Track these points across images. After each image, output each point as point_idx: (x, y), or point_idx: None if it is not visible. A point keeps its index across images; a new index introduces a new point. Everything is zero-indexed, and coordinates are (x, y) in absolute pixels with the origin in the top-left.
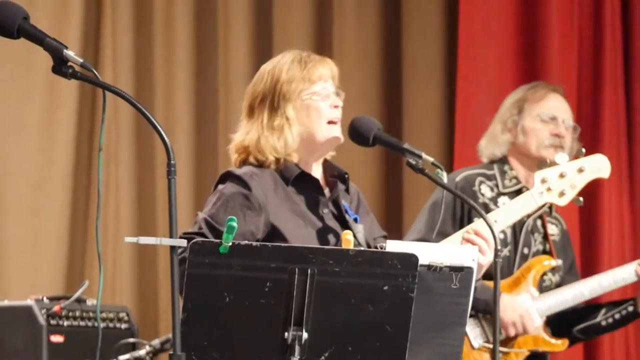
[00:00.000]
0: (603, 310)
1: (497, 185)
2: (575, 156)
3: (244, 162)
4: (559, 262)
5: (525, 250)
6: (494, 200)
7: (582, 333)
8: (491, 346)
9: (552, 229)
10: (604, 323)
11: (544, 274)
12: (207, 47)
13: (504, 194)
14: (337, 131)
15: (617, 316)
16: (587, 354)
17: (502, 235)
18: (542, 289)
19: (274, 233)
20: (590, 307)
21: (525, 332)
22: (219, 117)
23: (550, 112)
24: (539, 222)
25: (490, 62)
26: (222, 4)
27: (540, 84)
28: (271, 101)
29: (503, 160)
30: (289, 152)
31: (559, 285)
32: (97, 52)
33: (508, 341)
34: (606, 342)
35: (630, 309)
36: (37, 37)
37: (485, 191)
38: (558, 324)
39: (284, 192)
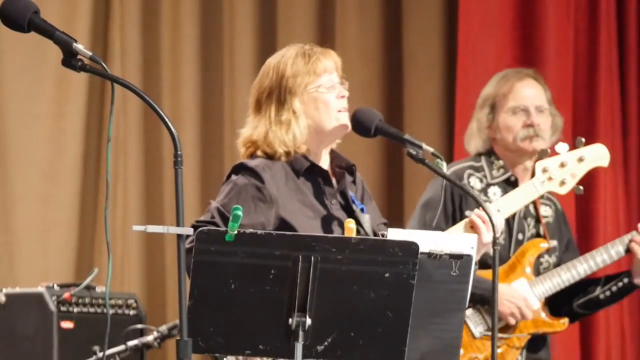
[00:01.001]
0: (601, 283)
1: (485, 176)
2: (575, 145)
3: (252, 155)
4: (553, 243)
5: (520, 236)
6: (484, 191)
7: (583, 307)
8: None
9: (546, 211)
10: (602, 296)
11: (540, 256)
12: (212, 41)
13: (493, 184)
14: (345, 119)
15: (614, 289)
16: (583, 334)
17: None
18: (540, 271)
19: (283, 225)
20: (588, 281)
21: (524, 319)
22: (225, 109)
23: (520, 103)
24: (531, 207)
25: (489, 54)
26: (228, 1)
27: (508, 73)
28: (278, 96)
29: (489, 152)
30: (297, 144)
31: (557, 265)
32: (105, 47)
33: (509, 327)
34: (602, 321)
35: (626, 280)
36: (47, 31)
37: (475, 183)
38: (558, 301)
39: (294, 183)
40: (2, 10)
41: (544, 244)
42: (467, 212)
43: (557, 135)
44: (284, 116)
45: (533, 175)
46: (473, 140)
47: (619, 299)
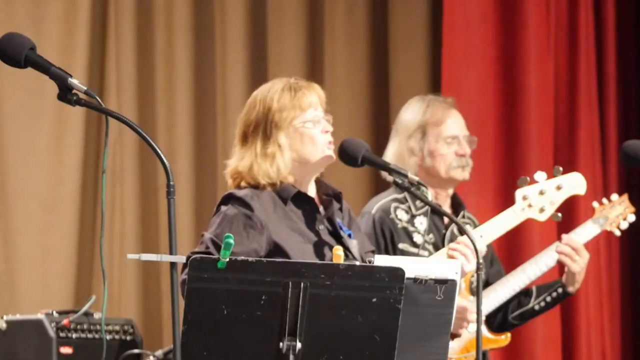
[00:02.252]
0: (534, 295)
1: (410, 207)
2: (553, 174)
3: (239, 186)
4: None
5: None
6: (411, 222)
7: (518, 319)
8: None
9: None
10: (537, 307)
11: (472, 276)
12: (205, 75)
13: (418, 215)
14: (330, 151)
15: (548, 299)
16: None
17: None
18: (472, 289)
19: (276, 249)
20: (521, 293)
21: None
22: (218, 141)
23: (452, 133)
24: (455, 229)
25: (471, 86)
26: (220, 35)
27: (434, 101)
28: (264, 129)
29: (422, 183)
30: (281, 177)
31: (486, 281)
32: (102, 81)
33: (458, 347)
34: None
35: (560, 290)
36: (43, 67)
37: (402, 215)
38: (494, 316)
39: (282, 211)
40: (0, 47)
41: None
42: (400, 245)
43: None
44: (269, 149)
45: (453, 201)
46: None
47: (552, 307)
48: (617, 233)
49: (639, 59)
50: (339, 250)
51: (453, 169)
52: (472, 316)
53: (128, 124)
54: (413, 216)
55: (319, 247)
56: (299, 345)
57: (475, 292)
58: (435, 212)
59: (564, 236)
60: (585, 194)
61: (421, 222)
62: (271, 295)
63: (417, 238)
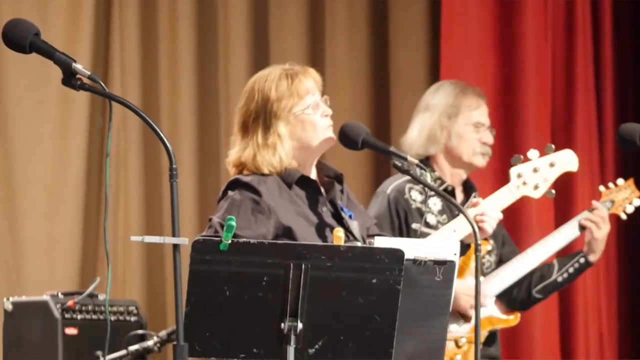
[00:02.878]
0: (556, 267)
1: (424, 189)
2: (545, 152)
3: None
4: (491, 242)
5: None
6: (425, 203)
7: (541, 292)
8: (454, 335)
9: None
10: (560, 279)
11: (482, 257)
12: (208, 60)
13: (432, 195)
14: (331, 133)
15: (571, 270)
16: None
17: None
18: (484, 271)
19: (284, 233)
20: (542, 267)
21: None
22: (220, 125)
23: (481, 121)
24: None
25: (470, 72)
26: (222, 21)
27: (467, 89)
28: (264, 120)
29: (425, 162)
30: (284, 165)
31: (498, 263)
32: (106, 67)
33: (468, 322)
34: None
35: (582, 260)
36: (48, 52)
37: (416, 196)
38: (513, 291)
39: (287, 195)
40: (5, 32)
41: (485, 246)
42: (413, 225)
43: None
44: (269, 139)
45: (465, 184)
46: (427, 142)
47: (575, 279)
48: (623, 216)
49: (636, 44)
50: (339, 232)
51: (475, 154)
52: (483, 295)
53: (132, 108)
54: (427, 197)
55: (322, 229)
56: (300, 325)
57: (486, 273)
58: (436, 193)
59: (595, 204)
60: (583, 176)
61: (435, 203)
62: (273, 277)
63: (431, 219)
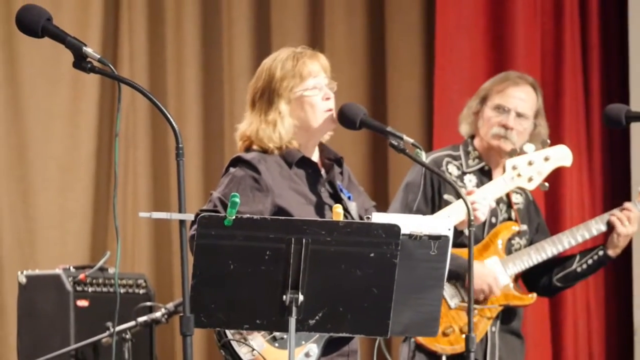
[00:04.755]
0: (577, 258)
1: (462, 165)
2: (541, 147)
3: (248, 149)
4: (524, 227)
5: (493, 220)
6: (460, 178)
7: (561, 281)
8: (466, 305)
9: (517, 198)
10: (579, 269)
11: (512, 238)
12: (213, 44)
13: (468, 172)
14: (330, 117)
15: (590, 262)
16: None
17: None
18: (512, 251)
19: (279, 211)
20: (564, 257)
21: (492, 294)
22: (225, 106)
23: (506, 104)
24: (503, 194)
25: (464, 54)
26: (226, 7)
27: (510, 75)
28: (268, 97)
29: (467, 142)
30: (284, 142)
31: (531, 242)
32: (115, 50)
33: (482, 303)
34: (569, 298)
35: (601, 253)
36: (59, 36)
37: (452, 170)
38: (537, 276)
39: (287, 174)
40: (18, 18)
41: (515, 227)
42: (445, 196)
43: (537, 145)
44: (270, 116)
45: (504, 168)
46: (463, 123)
47: (594, 271)
48: None
49: (621, 28)
50: (338, 208)
51: (491, 135)
52: (497, 289)
53: (140, 90)
54: (464, 173)
55: (320, 208)
56: (301, 297)
57: (512, 252)
58: (435, 174)
59: (626, 204)
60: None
61: (470, 180)
62: (275, 251)
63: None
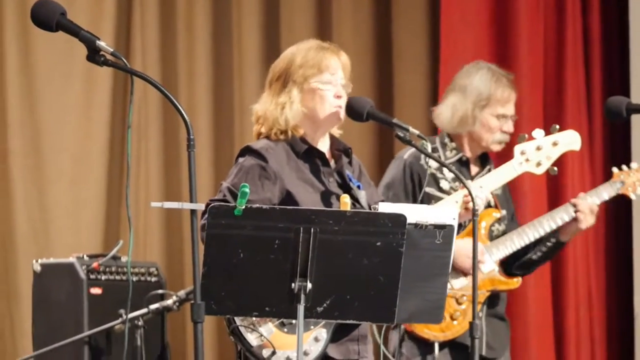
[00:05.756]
0: (532, 247)
1: (440, 157)
2: (550, 132)
3: (259, 134)
4: (503, 212)
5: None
6: (440, 170)
7: (519, 269)
8: (454, 292)
9: None
10: (535, 257)
11: (492, 225)
12: (223, 39)
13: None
14: (336, 114)
15: (544, 249)
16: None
17: None
18: (492, 237)
19: (288, 198)
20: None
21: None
22: (235, 99)
23: (507, 112)
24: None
25: (468, 48)
26: (236, 3)
27: (502, 78)
28: (283, 80)
29: (443, 134)
30: (290, 126)
31: (504, 232)
32: (128, 44)
33: (469, 285)
34: (571, 281)
35: (554, 240)
36: (73, 30)
37: (432, 163)
38: (506, 264)
39: (295, 163)
40: (33, 12)
41: (496, 214)
42: (427, 189)
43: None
44: (281, 99)
45: (481, 156)
46: (458, 124)
47: (549, 257)
48: (633, 197)
49: (622, 23)
50: (346, 198)
51: (494, 142)
52: (485, 257)
53: (152, 83)
54: (443, 165)
55: (327, 197)
56: (309, 285)
57: (493, 238)
58: (440, 163)
59: (582, 195)
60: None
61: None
62: (284, 240)
63: (444, 184)
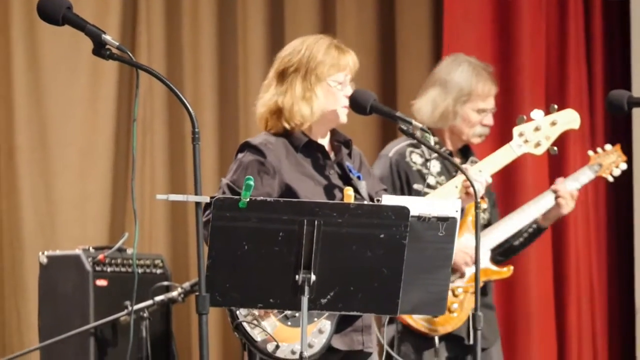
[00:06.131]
0: (513, 234)
1: (423, 152)
2: (549, 112)
3: (266, 126)
4: (487, 201)
5: None
6: (425, 165)
7: (502, 255)
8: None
9: None
10: (516, 243)
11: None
12: (228, 34)
13: (431, 159)
14: (343, 115)
15: (525, 235)
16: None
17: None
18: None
19: (288, 192)
20: None
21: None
22: (239, 93)
23: (487, 106)
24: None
25: (471, 45)
26: None
27: (481, 74)
28: (304, 74)
29: (424, 129)
30: (313, 120)
31: (489, 220)
32: (133, 38)
33: (463, 275)
34: (573, 277)
35: (535, 226)
36: (79, 24)
37: (416, 159)
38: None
39: (294, 157)
40: (39, 6)
41: (482, 204)
42: (415, 186)
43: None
44: (307, 94)
45: (463, 148)
46: (439, 119)
47: (530, 243)
48: (610, 179)
49: (623, 18)
50: (349, 191)
51: (474, 136)
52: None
53: (157, 76)
54: (427, 160)
55: (329, 189)
56: (313, 277)
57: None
58: (440, 155)
59: (560, 180)
60: (575, 140)
61: (434, 166)
62: (288, 232)
63: (430, 179)
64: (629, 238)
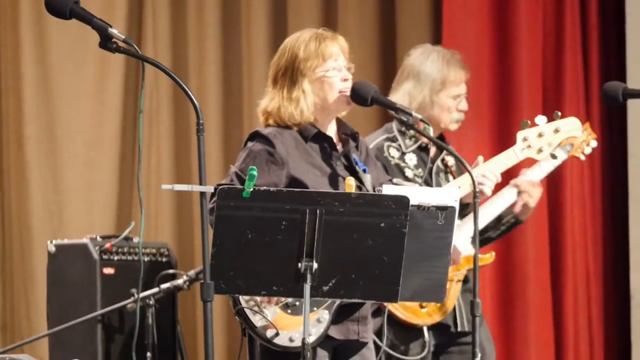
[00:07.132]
0: (491, 225)
1: (400, 146)
2: (552, 118)
3: (267, 124)
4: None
5: None
6: (402, 159)
7: (480, 245)
8: None
9: (450, 160)
10: (493, 235)
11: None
12: (232, 26)
13: (407, 152)
14: (346, 98)
15: (503, 227)
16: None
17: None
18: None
19: (294, 183)
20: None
21: (454, 264)
22: (243, 85)
23: (462, 92)
24: (439, 163)
25: (469, 36)
26: None
27: (452, 59)
28: (291, 75)
29: (424, 121)
30: (305, 118)
31: (464, 203)
32: (139, 31)
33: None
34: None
35: (513, 220)
36: (86, 18)
37: (394, 153)
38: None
39: (303, 148)
40: (47, 0)
41: None
42: (394, 180)
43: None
44: (294, 94)
45: (438, 138)
46: (415, 110)
47: (506, 234)
48: (582, 158)
49: (618, 9)
50: (350, 181)
51: (452, 122)
52: (457, 258)
53: (163, 69)
54: (403, 153)
55: (335, 180)
56: (315, 265)
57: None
58: (438, 147)
59: (522, 172)
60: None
61: (411, 159)
62: (290, 221)
63: (408, 172)
64: (624, 226)
